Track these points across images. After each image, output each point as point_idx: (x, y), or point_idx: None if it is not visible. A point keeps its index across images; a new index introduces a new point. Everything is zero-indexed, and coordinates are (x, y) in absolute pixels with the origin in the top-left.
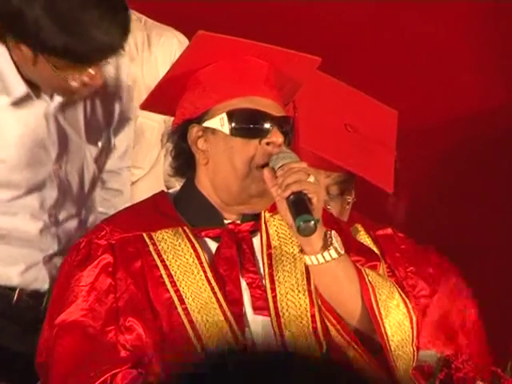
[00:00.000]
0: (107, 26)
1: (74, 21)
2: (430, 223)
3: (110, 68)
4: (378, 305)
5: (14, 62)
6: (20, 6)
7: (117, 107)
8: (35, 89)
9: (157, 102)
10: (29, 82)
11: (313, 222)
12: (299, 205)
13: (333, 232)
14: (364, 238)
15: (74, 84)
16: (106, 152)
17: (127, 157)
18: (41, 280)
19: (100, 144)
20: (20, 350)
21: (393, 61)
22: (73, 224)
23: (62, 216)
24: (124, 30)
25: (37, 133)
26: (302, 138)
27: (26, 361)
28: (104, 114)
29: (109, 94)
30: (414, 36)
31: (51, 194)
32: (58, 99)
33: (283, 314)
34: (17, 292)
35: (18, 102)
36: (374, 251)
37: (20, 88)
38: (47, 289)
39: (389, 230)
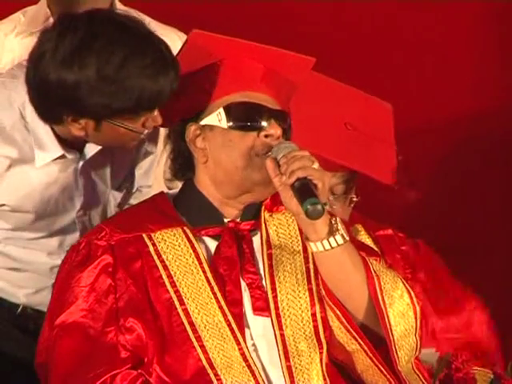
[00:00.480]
0: (161, 67)
1: (129, 75)
2: (430, 222)
3: None
4: (382, 294)
5: (51, 126)
6: (75, 80)
7: (145, 143)
8: (68, 147)
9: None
10: (62, 141)
11: (320, 205)
12: (305, 190)
13: (338, 218)
14: (364, 238)
15: (146, 131)
16: (128, 192)
17: (150, 173)
18: (46, 303)
19: (124, 189)
20: (23, 356)
21: (393, 61)
22: None
23: None
24: (174, 67)
25: (65, 187)
26: (304, 140)
27: (28, 368)
28: (132, 157)
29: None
30: (414, 36)
31: (73, 236)
32: (89, 155)
33: (284, 314)
34: (21, 307)
35: (51, 161)
36: (374, 249)
37: (55, 149)
38: None
39: (389, 231)
